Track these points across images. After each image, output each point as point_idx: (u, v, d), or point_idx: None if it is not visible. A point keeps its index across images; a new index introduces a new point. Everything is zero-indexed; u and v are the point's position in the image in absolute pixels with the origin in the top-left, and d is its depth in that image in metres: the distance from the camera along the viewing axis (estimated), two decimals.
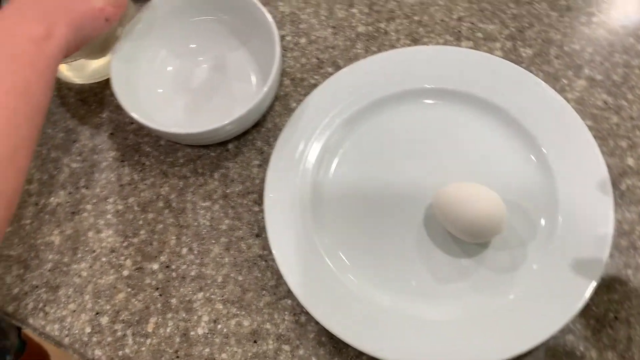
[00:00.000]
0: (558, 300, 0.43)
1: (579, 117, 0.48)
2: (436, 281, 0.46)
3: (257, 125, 0.54)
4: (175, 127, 0.49)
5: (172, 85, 0.55)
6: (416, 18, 0.57)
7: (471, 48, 0.55)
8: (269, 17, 0.51)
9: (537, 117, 0.49)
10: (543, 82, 0.50)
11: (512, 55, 0.54)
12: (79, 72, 0.57)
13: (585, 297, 0.43)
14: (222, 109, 0.54)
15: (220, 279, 0.49)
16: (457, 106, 0.51)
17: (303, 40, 0.58)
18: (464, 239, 0.46)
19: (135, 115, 0.49)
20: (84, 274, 0.50)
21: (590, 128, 0.50)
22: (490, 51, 0.55)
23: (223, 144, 0.54)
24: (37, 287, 0.50)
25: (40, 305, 0.50)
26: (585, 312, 0.45)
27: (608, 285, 0.46)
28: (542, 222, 0.47)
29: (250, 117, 0.50)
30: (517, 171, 0.49)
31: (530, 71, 0.52)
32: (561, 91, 0.52)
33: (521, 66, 0.52)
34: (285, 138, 0.51)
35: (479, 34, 0.56)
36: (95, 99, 0.57)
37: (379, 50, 0.56)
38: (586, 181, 0.46)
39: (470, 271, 0.46)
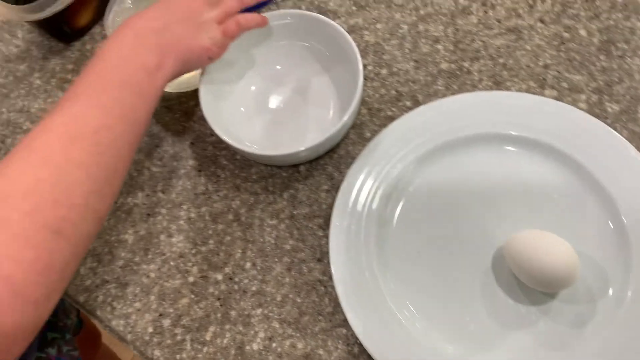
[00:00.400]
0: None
1: None
2: (499, 327, 0.46)
3: (330, 150, 0.56)
4: (253, 147, 0.51)
5: (253, 104, 0.57)
6: (501, 61, 0.57)
7: (555, 97, 0.54)
8: (355, 48, 0.52)
9: (619, 178, 0.48)
10: (627, 142, 0.49)
11: (596, 109, 0.53)
12: None
13: None
14: (298, 132, 0.56)
15: (279, 298, 0.51)
16: (535, 156, 0.51)
17: (384, 71, 0.58)
18: (533, 287, 0.45)
19: (218, 131, 0.51)
20: (152, 275, 0.53)
21: None
22: (574, 103, 0.54)
23: (295, 165, 0.56)
24: (107, 281, 0.53)
25: (109, 299, 0.53)
26: None
27: None
28: (611, 291, 0.45)
29: (326, 145, 0.51)
30: (592, 231, 0.48)
31: (615, 128, 0.51)
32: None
33: (605, 122, 0.51)
34: (357, 169, 0.52)
35: (564, 84, 0.55)
36: (180, 108, 0.60)
37: (460, 89, 0.56)
38: None
39: (535, 321, 0.45)
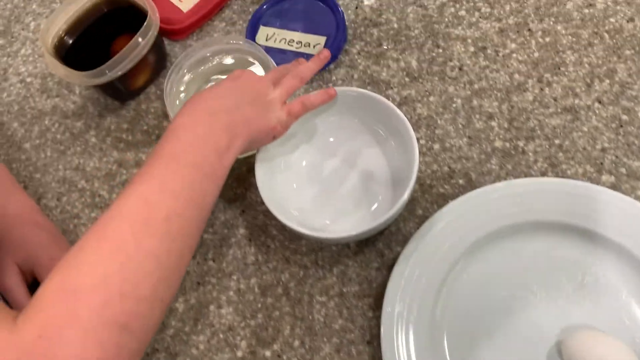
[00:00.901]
0: None
1: None
2: None
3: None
4: (304, 228, 0.51)
5: (305, 176, 0.58)
6: (557, 142, 0.56)
7: (612, 184, 0.53)
8: (409, 127, 0.52)
9: None
10: None
11: None
12: None
13: None
14: (350, 207, 0.56)
15: None
16: (595, 249, 0.50)
17: (437, 146, 0.58)
18: None
19: (272, 207, 0.51)
20: (201, 347, 0.54)
21: None
22: (633, 190, 0.53)
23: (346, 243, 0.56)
24: (157, 350, 0.54)
25: None
26: None
27: None
28: None
29: (379, 229, 0.51)
30: None
31: None
32: None
33: None
34: (409, 252, 0.52)
35: (623, 170, 0.54)
36: (232, 174, 0.61)
37: (514, 170, 0.56)
38: None
39: None
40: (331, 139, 0.59)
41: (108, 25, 0.67)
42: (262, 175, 0.53)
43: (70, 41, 0.65)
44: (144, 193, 0.41)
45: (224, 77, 0.63)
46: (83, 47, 0.65)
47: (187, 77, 0.61)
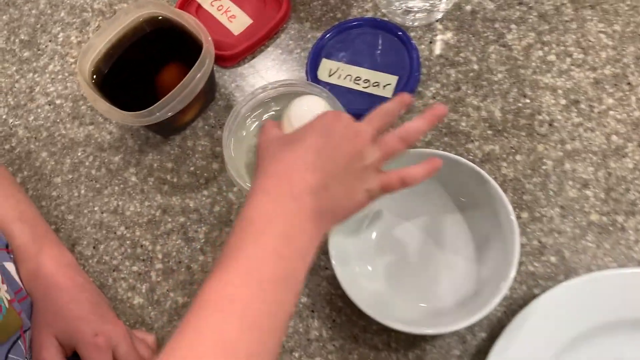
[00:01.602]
0: None
1: None
2: None
3: None
4: (380, 315, 0.45)
5: (379, 247, 0.52)
6: None
7: None
8: (504, 196, 0.46)
9: None
10: None
11: None
12: None
13: None
14: (428, 283, 0.50)
15: None
16: None
17: (525, 215, 0.52)
18: None
19: (347, 289, 0.46)
20: None
21: None
22: None
23: None
24: None
25: None
26: None
27: None
28: None
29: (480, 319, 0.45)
30: None
31: None
32: None
33: None
34: (501, 351, 0.46)
35: None
36: None
37: (612, 248, 0.50)
38: None
39: None
40: (407, 205, 0.52)
41: (151, 48, 0.59)
42: (334, 243, 0.48)
43: (109, 67, 0.58)
44: (222, 327, 0.34)
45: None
46: (122, 73, 0.58)
47: (247, 122, 0.54)
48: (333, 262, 0.47)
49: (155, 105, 0.52)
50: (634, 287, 0.46)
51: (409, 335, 0.50)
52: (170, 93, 0.52)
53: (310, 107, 0.47)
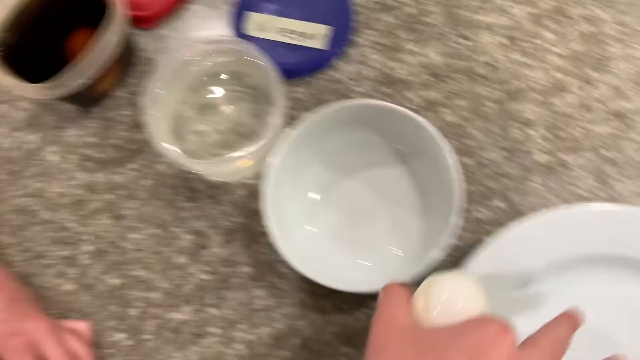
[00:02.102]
0: None
1: None
2: None
3: None
4: (326, 278, 0.43)
5: (320, 209, 0.49)
6: (605, 153, 0.49)
7: None
8: (442, 143, 0.44)
9: None
10: None
11: None
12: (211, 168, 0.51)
13: None
14: (378, 239, 0.48)
15: None
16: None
17: (469, 161, 0.50)
18: None
19: (287, 255, 0.43)
20: None
21: None
22: None
23: None
24: None
25: None
26: None
27: None
28: None
29: (425, 270, 0.43)
30: None
31: None
32: None
33: None
34: None
35: None
36: (229, 199, 0.51)
37: (558, 186, 0.49)
38: None
39: None
40: (346, 162, 0.49)
41: (59, 14, 0.53)
42: (272, 209, 0.45)
43: (17, 38, 0.52)
44: None
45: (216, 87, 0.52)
46: (31, 44, 0.52)
47: (159, 91, 0.49)
48: (270, 227, 0.44)
49: (62, 73, 0.47)
50: (580, 225, 0.45)
51: (359, 294, 0.48)
52: (77, 59, 0.47)
53: (456, 291, 0.34)
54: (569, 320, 0.35)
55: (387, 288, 0.36)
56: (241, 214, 0.51)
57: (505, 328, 0.31)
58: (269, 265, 0.49)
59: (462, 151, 0.51)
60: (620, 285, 0.45)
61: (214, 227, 0.51)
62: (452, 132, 0.51)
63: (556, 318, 0.35)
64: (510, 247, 0.45)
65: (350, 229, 0.48)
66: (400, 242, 0.47)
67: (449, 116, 0.52)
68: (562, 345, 0.34)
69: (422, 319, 0.33)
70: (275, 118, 0.46)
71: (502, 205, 0.49)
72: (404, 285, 0.36)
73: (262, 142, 0.45)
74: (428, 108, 0.52)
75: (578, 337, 0.43)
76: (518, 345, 0.32)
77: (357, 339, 0.47)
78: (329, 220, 0.49)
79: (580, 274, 0.45)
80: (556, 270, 0.45)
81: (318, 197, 0.49)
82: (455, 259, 0.47)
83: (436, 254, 0.42)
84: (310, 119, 0.46)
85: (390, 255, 0.47)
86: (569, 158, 0.49)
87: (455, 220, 0.43)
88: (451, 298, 0.33)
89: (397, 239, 0.47)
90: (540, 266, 0.45)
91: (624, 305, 0.44)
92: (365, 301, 0.47)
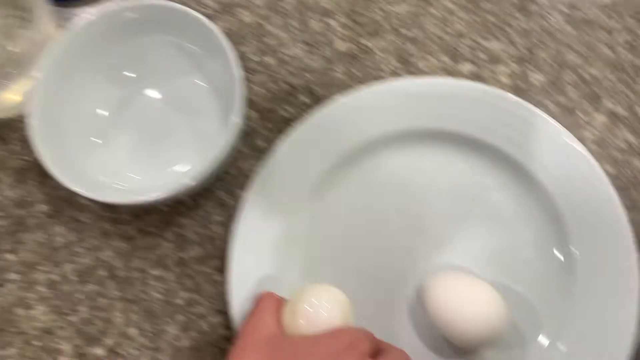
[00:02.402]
0: None
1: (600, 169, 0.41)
2: None
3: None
4: (111, 194, 0.40)
5: (108, 126, 0.45)
6: (406, 33, 0.48)
7: (472, 73, 0.46)
8: (220, 35, 0.40)
9: (551, 169, 0.41)
10: (558, 125, 0.42)
11: (521, 84, 0.46)
12: None
13: None
14: (176, 153, 0.44)
15: None
16: (459, 155, 0.43)
17: (271, 60, 0.47)
18: (454, 343, 0.39)
19: (62, 177, 0.39)
20: None
21: (611, 175, 0.43)
22: (495, 76, 0.46)
23: None
24: None
25: None
26: None
27: None
28: (544, 341, 0.40)
29: (215, 167, 0.40)
30: (531, 261, 0.41)
31: (543, 104, 0.44)
32: (576, 127, 0.44)
33: (533, 97, 0.44)
34: (254, 196, 0.42)
35: (482, 55, 0.47)
36: (17, 137, 0.47)
37: (363, 75, 0.47)
38: (607, 249, 0.40)
39: None
40: (131, 75, 0.46)
41: None
42: (44, 137, 0.40)
43: None
44: None
45: None
46: None
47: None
48: (42, 154, 0.40)
49: None
50: (377, 105, 0.43)
51: (165, 214, 0.45)
52: None
53: (323, 301, 0.35)
54: None
55: (260, 297, 0.38)
56: (33, 150, 0.46)
57: (357, 340, 0.33)
58: (67, 199, 0.45)
59: (263, 51, 0.48)
60: (427, 157, 0.44)
61: (3, 169, 0.46)
62: (251, 33, 0.48)
63: (395, 351, 0.35)
64: (312, 137, 0.43)
65: (146, 143, 0.45)
66: (200, 150, 0.44)
67: (247, 17, 0.49)
68: None
69: (290, 326, 0.35)
70: (33, 31, 0.41)
71: (307, 100, 0.46)
72: (277, 296, 0.37)
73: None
74: (225, 11, 0.49)
75: (397, 217, 0.42)
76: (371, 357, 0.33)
77: (168, 259, 0.43)
78: (122, 137, 0.45)
79: (381, 153, 0.43)
80: (360, 155, 0.43)
81: (106, 113, 0.45)
82: (256, 153, 0.44)
83: (215, 154, 0.39)
84: (84, 24, 0.42)
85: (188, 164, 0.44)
86: (370, 43, 0.47)
87: (236, 121, 0.39)
88: (317, 308, 0.35)
89: (196, 148, 0.44)
90: (342, 153, 0.43)
91: (427, 173, 0.43)
92: (172, 220, 0.44)
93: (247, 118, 0.46)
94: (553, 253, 0.41)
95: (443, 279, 0.38)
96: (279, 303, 0.37)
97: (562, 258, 0.41)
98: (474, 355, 0.40)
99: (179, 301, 0.43)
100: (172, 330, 0.42)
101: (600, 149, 0.44)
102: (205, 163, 0.39)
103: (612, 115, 0.45)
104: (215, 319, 0.42)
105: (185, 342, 0.42)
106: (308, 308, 0.35)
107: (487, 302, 0.36)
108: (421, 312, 0.40)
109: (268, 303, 0.37)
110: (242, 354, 0.34)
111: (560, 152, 0.41)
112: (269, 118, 0.46)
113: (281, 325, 0.36)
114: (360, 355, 0.32)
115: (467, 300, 0.36)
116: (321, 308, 0.35)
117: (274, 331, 0.35)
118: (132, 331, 0.42)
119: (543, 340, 0.39)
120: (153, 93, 0.46)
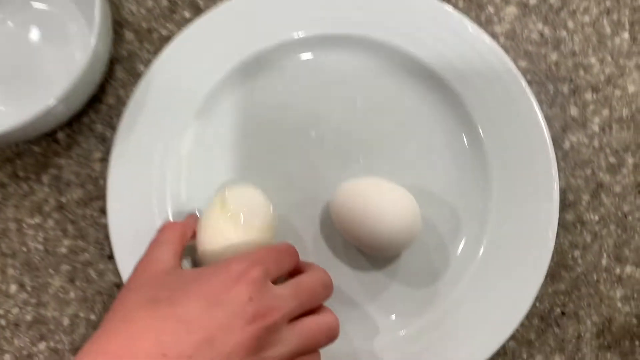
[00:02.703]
0: (495, 312, 0.34)
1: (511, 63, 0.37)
2: (340, 302, 0.35)
3: (95, 101, 0.40)
4: None
5: None
6: None
7: None
8: None
9: (460, 68, 0.38)
10: (467, 20, 0.38)
11: None
12: None
13: (529, 302, 0.34)
14: (37, 85, 0.39)
15: (66, 322, 0.37)
16: (358, 59, 0.39)
17: None
18: (367, 252, 0.35)
19: None
20: None
21: (525, 70, 0.39)
22: None
23: (49, 133, 0.40)
24: None
25: None
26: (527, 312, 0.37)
27: (552, 274, 0.38)
28: (462, 243, 0.37)
29: (80, 91, 0.35)
30: (439, 148, 0.38)
31: (451, 0, 0.40)
32: (487, 23, 0.40)
33: None
34: (130, 120, 0.37)
35: None
36: None
37: None
38: (522, 147, 0.37)
39: (381, 287, 0.36)
40: None
41: None
42: None
43: None
44: None
45: None
46: None
47: None
48: None
49: None
50: (269, 9, 0.39)
51: (38, 155, 0.39)
52: None
53: (249, 197, 0.34)
54: (324, 282, 0.32)
55: (161, 229, 0.34)
56: None
57: (249, 266, 0.29)
58: None
59: None
60: (327, 63, 0.39)
61: None
62: None
63: (314, 269, 0.32)
64: (192, 51, 0.38)
65: (7, 78, 0.39)
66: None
67: None
68: (311, 294, 0.30)
69: (218, 222, 0.33)
70: None
71: (190, 15, 0.41)
72: (179, 224, 0.34)
73: None
74: None
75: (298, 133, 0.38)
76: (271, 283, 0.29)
77: (46, 205, 0.39)
78: None
79: (290, 60, 0.39)
80: (253, 68, 0.39)
81: None
82: (137, 78, 0.39)
83: (78, 72, 0.34)
84: None
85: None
86: None
87: (93, 39, 0.34)
88: (245, 202, 0.33)
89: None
90: (228, 67, 0.38)
91: (321, 79, 0.39)
92: (47, 161, 0.39)
93: (124, 41, 0.41)
94: (468, 155, 0.38)
95: (350, 186, 0.34)
96: (182, 232, 0.33)
97: (478, 161, 0.37)
98: (390, 263, 0.36)
99: (62, 250, 0.38)
100: (56, 282, 0.38)
101: (513, 43, 0.40)
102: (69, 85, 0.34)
103: (522, 6, 0.41)
104: (104, 266, 0.38)
105: (72, 294, 0.37)
106: (238, 200, 0.33)
107: (399, 203, 0.33)
108: (333, 228, 0.36)
109: (165, 235, 0.33)
110: (126, 295, 0.29)
111: (470, 48, 0.38)
112: (149, 39, 0.41)
113: (178, 258, 0.32)
114: (253, 280, 0.28)
115: (378, 202, 0.33)
116: (249, 201, 0.33)
117: (166, 266, 0.31)
118: (12, 288, 0.38)
119: (463, 244, 0.37)
120: (9, 21, 0.40)
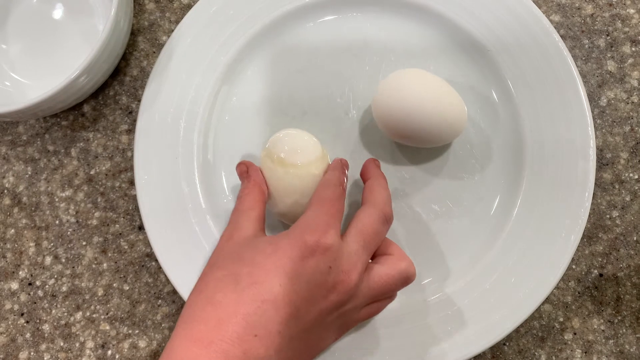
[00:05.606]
0: (530, 274, 0.34)
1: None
2: None
3: (118, 73, 0.40)
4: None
5: None
6: None
7: None
8: None
9: (489, 23, 0.36)
10: None
11: None
12: None
13: (565, 263, 0.33)
14: (61, 58, 0.39)
15: (101, 292, 0.38)
16: (395, 19, 0.38)
17: None
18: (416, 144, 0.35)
19: None
20: None
21: (559, 25, 0.38)
22: None
23: (76, 107, 0.40)
24: None
25: None
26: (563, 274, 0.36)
27: (589, 235, 0.36)
28: (503, 170, 0.36)
29: (102, 62, 0.35)
30: (469, 107, 0.37)
31: None
32: None
33: None
34: (153, 91, 0.37)
35: None
36: None
37: None
38: (556, 105, 0.35)
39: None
40: None
41: None
42: None
43: None
44: None
45: None
46: None
47: None
48: None
49: None
50: None
51: (66, 129, 0.40)
52: None
53: (298, 140, 0.34)
54: (384, 218, 0.31)
55: (240, 195, 0.32)
56: None
57: (321, 234, 0.28)
58: None
59: None
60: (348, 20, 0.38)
61: None
62: None
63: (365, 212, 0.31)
64: (211, 21, 0.38)
65: (34, 52, 0.40)
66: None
67: None
68: (375, 236, 0.30)
69: (270, 170, 0.33)
70: None
71: None
72: (261, 178, 0.33)
73: None
74: None
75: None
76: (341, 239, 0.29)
77: (76, 178, 0.39)
78: (9, 46, 0.40)
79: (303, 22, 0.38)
80: (277, 27, 0.38)
81: None
82: (160, 49, 0.39)
83: (99, 44, 0.34)
84: None
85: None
86: None
87: (114, 14, 0.34)
88: (293, 146, 0.33)
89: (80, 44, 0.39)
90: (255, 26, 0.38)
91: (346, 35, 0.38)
92: (75, 135, 0.39)
93: (144, 11, 0.41)
94: (500, 113, 0.36)
95: (395, 77, 0.34)
96: (260, 191, 0.32)
97: (510, 119, 0.36)
98: (436, 155, 0.36)
99: (94, 222, 0.39)
100: (89, 253, 0.38)
101: None
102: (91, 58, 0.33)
103: None
104: (134, 236, 0.38)
105: (105, 265, 0.38)
106: (285, 147, 0.33)
107: (444, 87, 0.33)
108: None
109: (246, 202, 0.32)
110: (208, 273, 0.28)
111: (499, 3, 0.36)
112: (169, 8, 0.41)
113: (261, 222, 0.31)
114: (327, 249, 0.28)
115: (426, 94, 0.33)
116: (298, 145, 0.33)
117: (248, 234, 0.30)
118: (47, 260, 0.38)
119: (497, 204, 0.36)
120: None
